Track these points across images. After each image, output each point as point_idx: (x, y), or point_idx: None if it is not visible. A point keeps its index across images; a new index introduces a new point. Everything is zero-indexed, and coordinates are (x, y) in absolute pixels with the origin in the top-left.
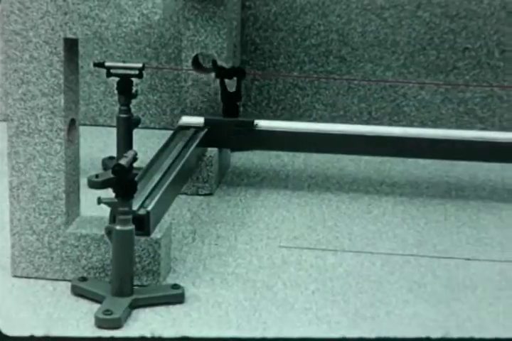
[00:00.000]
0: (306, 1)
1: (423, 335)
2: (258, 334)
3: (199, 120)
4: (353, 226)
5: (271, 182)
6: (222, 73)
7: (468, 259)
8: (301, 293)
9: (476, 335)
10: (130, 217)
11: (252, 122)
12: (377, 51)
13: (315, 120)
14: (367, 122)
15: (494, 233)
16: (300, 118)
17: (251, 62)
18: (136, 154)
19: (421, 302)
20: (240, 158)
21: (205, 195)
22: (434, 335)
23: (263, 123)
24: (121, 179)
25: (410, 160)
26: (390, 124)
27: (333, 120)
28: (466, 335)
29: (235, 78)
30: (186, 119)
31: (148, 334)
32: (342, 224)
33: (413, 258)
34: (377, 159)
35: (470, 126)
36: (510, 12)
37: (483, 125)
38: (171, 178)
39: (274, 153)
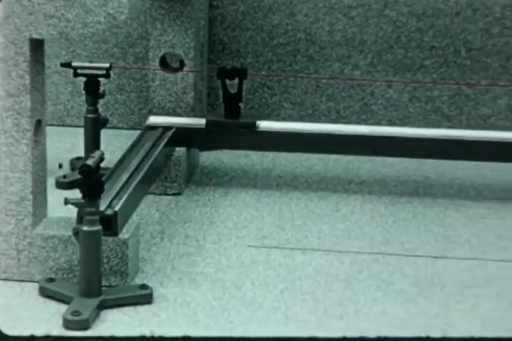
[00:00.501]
0: (274, 0)
1: (390, 333)
2: (226, 334)
3: (167, 119)
4: (321, 225)
5: (239, 182)
6: (223, 74)
7: (436, 257)
8: (270, 292)
9: (443, 333)
10: (97, 217)
11: (254, 123)
12: (345, 50)
13: (283, 119)
14: (335, 121)
15: (462, 231)
16: (268, 117)
17: (219, 61)
18: (103, 154)
19: (389, 301)
20: (208, 158)
21: (173, 194)
22: (401, 334)
23: (264, 124)
24: (88, 179)
25: (378, 159)
26: (357, 123)
27: (301, 119)
28: (433, 333)
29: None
30: (154, 119)
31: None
32: (310, 222)
33: (381, 257)
34: (345, 158)
35: (437, 125)
36: (476, 10)
37: (450, 123)
38: (138, 178)
39: (242, 152)
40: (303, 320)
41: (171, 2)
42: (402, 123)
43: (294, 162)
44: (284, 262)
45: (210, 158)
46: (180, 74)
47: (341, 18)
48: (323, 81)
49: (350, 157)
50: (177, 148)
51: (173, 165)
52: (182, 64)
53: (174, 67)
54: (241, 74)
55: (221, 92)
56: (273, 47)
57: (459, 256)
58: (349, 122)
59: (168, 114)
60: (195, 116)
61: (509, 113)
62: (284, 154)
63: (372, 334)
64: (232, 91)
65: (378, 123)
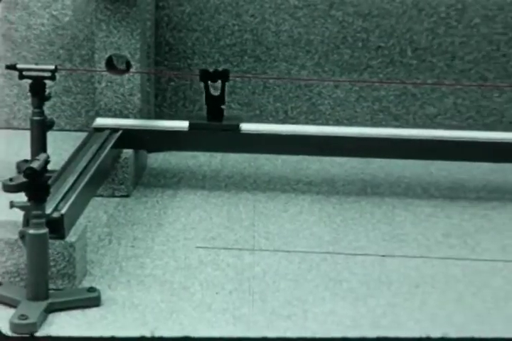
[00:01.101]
0: (220, 1)
1: (338, 333)
2: (175, 335)
3: (113, 121)
4: (269, 225)
5: (188, 183)
6: (206, 76)
7: (384, 256)
8: (218, 293)
9: (390, 332)
10: (43, 220)
11: (238, 125)
12: (292, 50)
13: None
14: (283, 121)
15: (409, 229)
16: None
17: (166, 62)
18: (48, 157)
19: (337, 300)
20: (156, 159)
21: (121, 196)
22: (350, 333)
23: (247, 127)
24: (33, 182)
25: (326, 159)
26: (306, 123)
27: (249, 119)
28: (382, 333)
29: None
30: (101, 121)
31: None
32: (259, 223)
33: (329, 256)
34: (293, 158)
35: (385, 124)
36: (421, 10)
37: (397, 122)
38: (85, 180)
39: (190, 153)
40: (251, 321)
41: (116, 3)
42: (350, 123)
43: (242, 162)
44: (232, 263)
45: (158, 159)
46: (126, 75)
47: (288, 18)
48: (271, 81)
49: (299, 157)
50: (124, 150)
51: (120, 167)
52: (128, 65)
53: (120, 69)
54: (223, 76)
55: (204, 95)
56: (220, 48)
57: (406, 254)
58: (297, 122)
59: (115, 115)
60: (142, 117)
61: (455, 112)
62: (231, 155)
63: (319, 334)
64: (214, 94)
65: (326, 123)
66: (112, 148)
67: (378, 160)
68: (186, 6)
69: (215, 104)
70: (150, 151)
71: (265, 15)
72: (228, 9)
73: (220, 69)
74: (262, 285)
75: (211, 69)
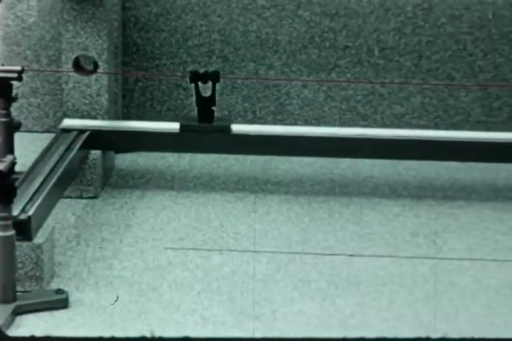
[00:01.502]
0: (187, 1)
1: (306, 333)
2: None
3: (81, 122)
4: (238, 226)
5: (156, 184)
6: (196, 77)
7: (352, 255)
8: (187, 294)
9: (358, 332)
10: (10, 222)
11: (229, 127)
12: (260, 50)
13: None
14: (251, 121)
15: (377, 229)
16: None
17: (133, 63)
18: (15, 158)
19: (306, 300)
20: (124, 160)
21: (89, 197)
22: (317, 333)
23: (238, 128)
24: None
25: (295, 159)
26: (274, 123)
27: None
28: (349, 332)
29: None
30: (68, 122)
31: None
32: (227, 223)
33: (298, 256)
34: (262, 158)
35: (353, 124)
36: (388, 10)
37: (365, 122)
38: (52, 182)
39: (159, 154)
40: (220, 321)
41: (82, 4)
42: (318, 123)
43: (210, 163)
44: (200, 263)
45: (126, 160)
46: (94, 76)
47: (255, 18)
48: (239, 81)
49: (267, 157)
50: (92, 151)
51: (88, 169)
52: (96, 66)
53: (88, 70)
54: (214, 77)
55: (194, 96)
56: (188, 49)
57: (374, 253)
58: (265, 122)
59: (82, 116)
60: (109, 118)
61: (423, 111)
62: (200, 155)
63: (288, 334)
64: (205, 95)
65: (294, 123)
66: (79, 149)
67: (347, 159)
68: (153, 6)
69: (205, 106)
70: (120, 152)
71: (233, 15)
72: (195, 9)
73: (210, 70)
74: (230, 285)
75: (201, 71)
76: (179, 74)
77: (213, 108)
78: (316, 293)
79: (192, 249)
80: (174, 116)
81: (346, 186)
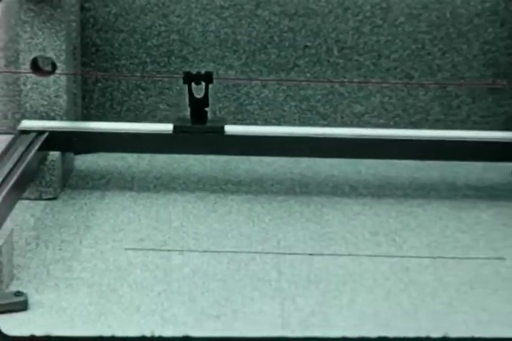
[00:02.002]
0: (146, 1)
1: (267, 332)
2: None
3: (40, 123)
4: (198, 226)
5: (116, 185)
6: (189, 78)
7: (312, 254)
8: (147, 294)
9: (319, 331)
10: None
11: (222, 128)
12: (219, 50)
13: (160, 121)
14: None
15: (337, 228)
16: (145, 119)
17: (92, 63)
18: None
19: (266, 299)
20: (84, 161)
21: (48, 199)
22: (276, 333)
23: (231, 129)
24: None
25: (255, 158)
26: (234, 123)
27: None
28: (310, 331)
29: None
30: (26, 123)
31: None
32: (188, 223)
33: (258, 256)
34: (223, 158)
35: (313, 123)
36: (347, 9)
37: (325, 121)
38: (11, 183)
39: (119, 154)
40: (180, 322)
41: (40, 4)
42: (278, 123)
43: (171, 163)
44: (161, 264)
45: (86, 161)
46: (52, 77)
47: (214, 18)
48: None
49: (227, 157)
50: (51, 152)
51: (47, 170)
52: (54, 67)
53: (46, 71)
54: (207, 78)
55: (187, 97)
56: (147, 49)
57: (334, 252)
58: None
59: (41, 117)
60: (69, 119)
61: (382, 110)
62: (159, 156)
63: (249, 334)
64: (198, 96)
65: (254, 123)
66: (38, 150)
67: (306, 159)
68: (112, 6)
69: (198, 107)
70: (80, 153)
71: (192, 15)
72: (154, 10)
73: (203, 71)
74: (191, 285)
75: (194, 72)
76: (138, 74)
77: (206, 109)
78: (276, 292)
79: (152, 249)
80: (134, 117)
81: (306, 185)
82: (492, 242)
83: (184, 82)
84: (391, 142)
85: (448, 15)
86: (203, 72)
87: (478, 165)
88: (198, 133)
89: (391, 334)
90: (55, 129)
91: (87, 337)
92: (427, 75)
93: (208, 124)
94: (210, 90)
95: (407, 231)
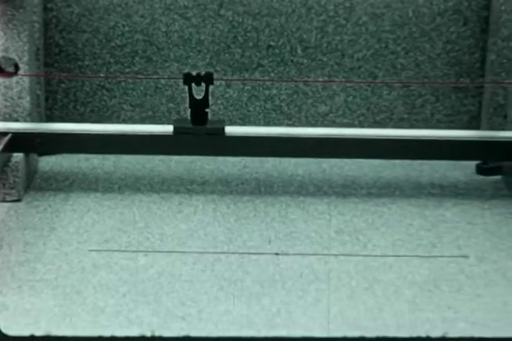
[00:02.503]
0: (109, 1)
1: (232, 332)
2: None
3: (2, 125)
4: (163, 227)
5: (80, 186)
6: (190, 79)
7: (278, 254)
8: (112, 296)
9: (284, 331)
10: None
11: (223, 129)
12: (183, 51)
13: (124, 121)
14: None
15: (302, 227)
16: (109, 120)
17: (56, 64)
18: None
19: (231, 299)
20: (47, 163)
21: (12, 201)
22: (243, 332)
23: (231, 130)
24: None
25: (220, 158)
26: None
27: (142, 121)
28: (276, 331)
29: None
30: None
31: None
32: (153, 224)
33: (224, 256)
34: (188, 158)
35: (277, 123)
36: (310, 9)
37: (290, 121)
38: None
39: (83, 156)
40: (146, 323)
41: (2, 5)
42: (243, 123)
43: (135, 164)
44: (126, 265)
45: (50, 163)
46: (15, 78)
47: (178, 18)
48: (163, 82)
49: (193, 157)
50: (14, 154)
51: (11, 172)
52: (17, 68)
53: (9, 72)
54: (207, 79)
55: (188, 98)
56: (110, 49)
57: (299, 252)
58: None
59: (4, 119)
60: (32, 120)
61: (346, 109)
62: (125, 156)
63: (215, 334)
64: (198, 97)
65: None
66: (1, 152)
67: (272, 159)
68: (75, 7)
69: (199, 108)
70: (44, 154)
71: (155, 15)
72: (118, 10)
73: (203, 72)
74: (156, 286)
75: (194, 73)
76: (102, 75)
77: (207, 110)
78: (241, 292)
79: (117, 250)
80: (98, 118)
81: (271, 185)
82: (456, 240)
83: (184, 83)
84: (355, 141)
85: (411, 14)
86: (203, 73)
87: (443, 163)
88: (199, 135)
89: (356, 334)
90: (19, 130)
91: (87, 337)
92: (390, 74)
93: (209, 125)
94: (174, 90)
95: (372, 230)
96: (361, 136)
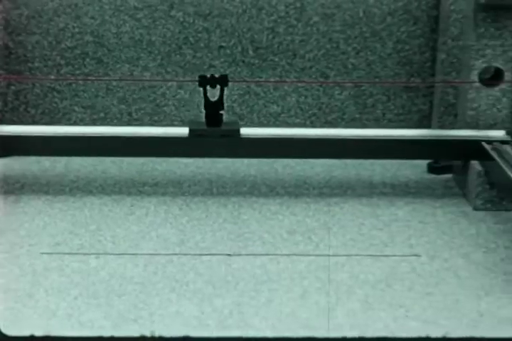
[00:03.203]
0: (58, 3)
1: (184, 333)
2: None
3: None
4: (115, 229)
5: (31, 188)
6: (205, 81)
7: (230, 255)
8: (64, 299)
9: (237, 331)
10: None
11: (238, 130)
12: (134, 52)
13: (75, 123)
14: (128, 123)
15: (255, 227)
16: (60, 122)
17: (5, 66)
18: None
19: (183, 301)
20: None
21: None
22: (195, 333)
23: (247, 131)
24: None
25: (172, 160)
26: (151, 124)
27: (93, 122)
28: (227, 332)
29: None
30: None
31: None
32: (105, 227)
33: (176, 257)
34: (140, 160)
35: None
36: (261, 9)
37: (242, 122)
38: None
39: (34, 158)
40: (97, 325)
41: None
42: None
43: (87, 166)
44: (77, 268)
45: (0, 165)
46: None
47: (128, 19)
48: (114, 83)
49: (144, 159)
50: None
51: None
52: None
53: None
54: (222, 81)
55: (203, 100)
56: (61, 51)
57: (252, 252)
58: (142, 124)
59: None
60: None
61: (298, 109)
62: (75, 158)
63: (166, 335)
64: (212, 99)
65: (171, 124)
66: None
67: (223, 159)
68: (24, 9)
69: (213, 110)
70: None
71: (105, 16)
72: (67, 11)
73: (217, 74)
74: (107, 289)
75: (209, 75)
76: (52, 77)
77: (221, 112)
78: (193, 293)
79: (68, 253)
80: (49, 120)
81: (224, 186)
82: (408, 239)
83: (200, 85)
84: (307, 141)
85: (361, 14)
86: (218, 75)
87: (394, 163)
88: (214, 137)
89: (308, 333)
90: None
91: (87, 337)
92: (342, 74)
93: (224, 127)
94: (126, 91)
95: (324, 230)
96: (313, 136)
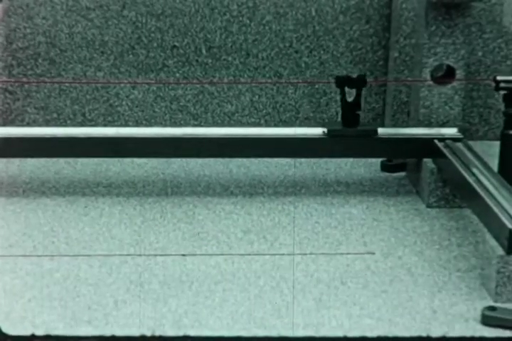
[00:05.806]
0: (9, 3)
1: (139, 334)
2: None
3: None
4: (69, 230)
5: None
6: (343, 82)
7: (185, 255)
8: (17, 301)
9: (192, 331)
10: None
11: (375, 131)
12: (86, 52)
13: (28, 124)
14: (81, 124)
15: (210, 227)
16: (12, 123)
17: None
18: None
19: (138, 302)
20: None
21: None
22: (148, 334)
23: (384, 131)
24: None
25: (127, 160)
26: (104, 125)
27: (46, 123)
28: (182, 332)
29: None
30: None
31: None
32: (58, 228)
33: (130, 258)
34: (94, 160)
35: (184, 123)
36: (214, 9)
37: (196, 121)
38: None
39: None
40: (51, 328)
41: None
42: (149, 124)
43: (41, 167)
44: (31, 270)
45: None
46: None
47: (80, 20)
48: (67, 84)
49: (98, 159)
50: None
51: None
52: None
53: None
54: (360, 82)
55: (340, 101)
56: (12, 52)
57: (206, 252)
58: (95, 125)
59: None
60: None
61: (252, 109)
62: (30, 160)
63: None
64: (349, 100)
65: (125, 124)
66: None
67: (178, 159)
68: None
69: (350, 110)
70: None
71: (57, 17)
72: (19, 12)
73: (355, 75)
74: (62, 291)
75: (347, 76)
76: (4, 78)
77: (358, 112)
78: (148, 294)
79: (22, 255)
80: (1, 121)
81: (178, 186)
82: (362, 237)
83: (337, 86)
84: (262, 140)
85: (314, 13)
86: (355, 75)
87: (348, 161)
88: (351, 137)
89: (264, 333)
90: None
91: (87, 337)
92: (295, 73)
93: (360, 127)
94: (79, 92)
95: (279, 229)
96: (267, 135)
